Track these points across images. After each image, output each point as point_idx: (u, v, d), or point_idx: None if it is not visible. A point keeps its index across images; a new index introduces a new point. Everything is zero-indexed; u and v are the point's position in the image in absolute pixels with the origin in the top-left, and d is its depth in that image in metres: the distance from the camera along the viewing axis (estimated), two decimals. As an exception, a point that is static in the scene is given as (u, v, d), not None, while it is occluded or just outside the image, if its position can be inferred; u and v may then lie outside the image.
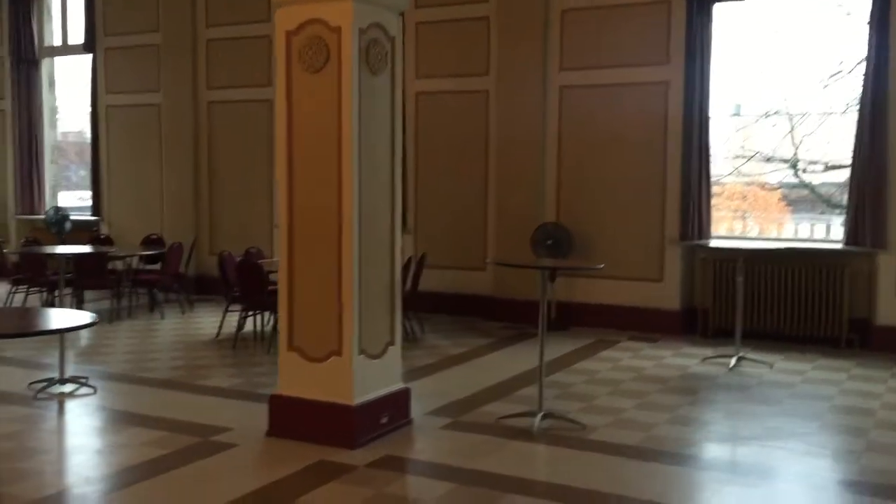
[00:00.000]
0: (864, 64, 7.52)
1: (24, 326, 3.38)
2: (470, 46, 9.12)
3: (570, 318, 8.59)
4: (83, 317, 3.29)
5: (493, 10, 8.93)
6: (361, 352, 4.91)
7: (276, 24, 4.91)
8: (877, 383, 6.38)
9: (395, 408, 5.16)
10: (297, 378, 4.98)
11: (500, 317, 8.78)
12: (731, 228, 11.02)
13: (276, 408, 5.04)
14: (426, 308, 8.63)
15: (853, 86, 8.00)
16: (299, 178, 4.91)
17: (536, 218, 8.68)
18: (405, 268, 7.76)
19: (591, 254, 8.43)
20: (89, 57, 11.30)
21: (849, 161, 7.69)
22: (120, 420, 5.45)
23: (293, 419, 4.96)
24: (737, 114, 11.17)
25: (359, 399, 4.86)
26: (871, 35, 7.41)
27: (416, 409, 5.44)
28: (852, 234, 7.57)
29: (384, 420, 5.04)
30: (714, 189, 8.52)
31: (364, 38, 4.79)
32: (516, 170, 8.85)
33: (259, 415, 5.12)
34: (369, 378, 4.95)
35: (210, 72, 10.59)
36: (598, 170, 8.58)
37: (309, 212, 4.90)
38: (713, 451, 4.99)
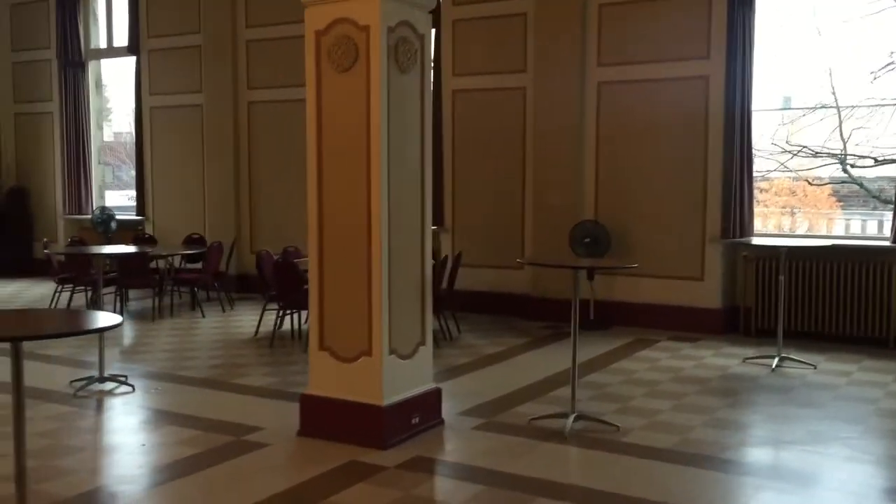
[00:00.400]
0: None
1: (39, 329, 3.45)
2: (507, 43, 9.05)
3: (610, 317, 8.48)
4: (108, 318, 3.32)
5: (531, 6, 8.85)
6: (392, 352, 4.89)
7: (306, 23, 4.91)
8: (926, 386, 6.17)
9: (426, 408, 5.13)
10: (327, 378, 4.99)
11: (538, 316, 8.70)
12: (779, 225, 10.78)
13: (308, 407, 5.05)
14: (463, 307, 8.60)
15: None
16: (329, 177, 4.91)
17: (575, 215, 8.58)
18: (441, 266, 7.75)
19: (630, 251, 8.31)
20: (133, 59, 11.50)
21: (898, 155, 7.46)
22: (156, 418, 5.51)
23: (324, 419, 4.96)
24: (785, 107, 10.90)
25: (389, 399, 4.84)
26: (921, 25, 7.16)
27: (449, 410, 5.41)
28: (901, 231, 7.33)
29: (415, 420, 5.01)
30: (761, 185, 8.32)
31: (393, 37, 4.77)
32: (554, 167, 8.76)
33: (292, 414, 5.14)
34: (400, 378, 4.93)
35: (250, 72, 10.70)
36: (637, 167, 8.45)
37: (339, 211, 4.89)
38: (751, 455, 4.86)
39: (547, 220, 8.77)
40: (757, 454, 4.89)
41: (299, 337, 7.74)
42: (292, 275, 7.37)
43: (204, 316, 9.11)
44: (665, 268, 8.25)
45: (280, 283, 7.58)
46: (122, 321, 3.70)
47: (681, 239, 8.26)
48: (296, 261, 7.60)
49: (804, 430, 5.14)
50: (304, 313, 7.71)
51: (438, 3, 8.94)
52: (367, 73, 4.73)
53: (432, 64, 9.34)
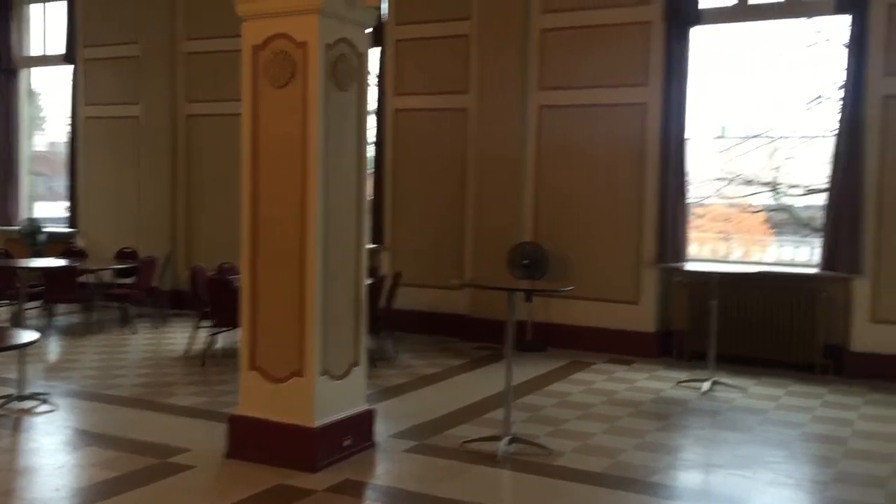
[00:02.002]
0: (842, 89, 7.52)
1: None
2: (449, 64, 9.09)
3: (547, 338, 8.52)
4: (25, 335, 3.19)
5: (474, 29, 8.90)
6: (324, 372, 4.82)
7: (243, 38, 4.85)
8: (849, 410, 6.32)
9: (358, 430, 5.06)
10: (257, 398, 4.89)
11: (477, 337, 8.69)
12: (715, 251, 11.00)
13: (236, 429, 4.94)
14: (401, 327, 8.55)
15: (832, 110, 7.99)
16: (264, 193, 4.84)
17: (514, 237, 8.62)
18: (379, 286, 7.69)
19: (567, 274, 8.37)
20: (70, 68, 11.22)
21: (826, 186, 7.68)
22: (78, 439, 5.32)
23: (253, 441, 4.86)
24: (721, 136, 11.17)
25: (320, 421, 4.76)
26: (849, 61, 7.41)
27: (382, 431, 5.35)
28: (828, 259, 7.54)
29: (347, 442, 4.94)
30: (697, 211, 8.48)
31: (331, 54, 4.73)
32: (495, 189, 8.80)
33: (221, 435, 5.01)
34: (332, 399, 4.86)
35: (189, 85, 10.52)
36: (576, 190, 8.54)
37: (273, 228, 4.82)
38: (680, 478, 4.90)
39: (486, 241, 8.79)
40: (685, 478, 4.93)
41: (232, 356, 7.56)
42: (226, 291, 7.22)
43: (135, 333, 8.87)
44: (601, 291, 8.33)
45: (214, 299, 7.43)
46: (41, 338, 3.56)
47: (617, 262, 8.35)
48: (231, 277, 7.45)
49: (732, 454, 5.21)
50: (238, 331, 7.57)
51: (381, 21, 8.99)
52: (304, 90, 4.68)
53: (376, 82, 9.35)
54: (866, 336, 7.35)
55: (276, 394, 4.82)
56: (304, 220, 4.71)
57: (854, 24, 7.36)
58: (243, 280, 4.93)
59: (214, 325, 7.55)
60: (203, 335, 7.70)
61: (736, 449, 5.31)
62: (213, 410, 5.90)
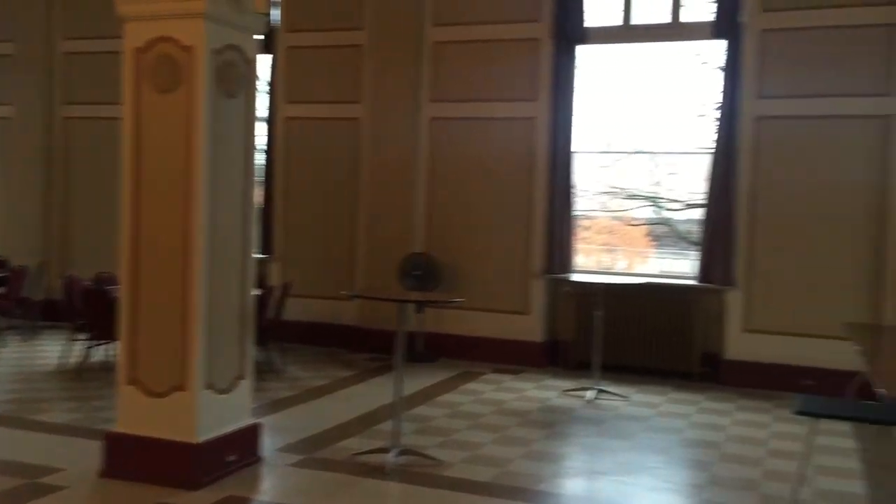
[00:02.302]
0: (718, 110, 7.91)
1: None
2: (342, 73, 9.04)
3: (438, 349, 8.56)
4: None
5: (367, 39, 8.89)
6: (208, 386, 4.68)
7: (125, 39, 4.67)
8: (722, 416, 6.63)
9: (243, 445, 4.93)
10: (136, 414, 4.69)
11: (368, 348, 8.64)
12: (600, 262, 11.31)
13: (113, 446, 4.72)
14: (291, 338, 8.41)
15: (710, 129, 8.38)
16: (146, 200, 4.67)
17: (405, 248, 8.63)
18: (268, 296, 7.54)
19: (458, 285, 8.44)
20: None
21: (703, 201, 8.04)
22: (-64, 460, 4.96)
23: (131, 459, 4.66)
24: (605, 151, 11.53)
25: (203, 436, 4.61)
26: (724, 84, 7.80)
27: (269, 446, 5.24)
28: (705, 272, 7.90)
29: (231, 458, 4.80)
30: (583, 223, 8.72)
31: (218, 60, 4.62)
32: (386, 199, 8.79)
33: (96, 454, 4.78)
34: (216, 414, 4.72)
35: (68, 86, 10.06)
36: (467, 202, 8.63)
37: (155, 237, 4.65)
38: (564, 486, 5.00)
39: (378, 251, 8.76)
40: (570, 485, 5.04)
41: (110, 370, 7.25)
42: (103, 302, 6.92)
43: (4, 346, 8.36)
44: (492, 301, 8.44)
45: (90, 311, 7.10)
46: None
47: (507, 273, 8.49)
48: (109, 288, 7.14)
49: (614, 461, 5.36)
50: (116, 344, 7.26)
51: (272, 28, 8.84)
52: (189, 96, 4.55)
53: (267, 90, 9.18)
54: (739, 345, 7.73)
55: (157, 409, 4.64)
56: (188, 228, 4.57)
57: (729, 49, 7.76)
58: (122, 290, 4.73)
59: (90, 338, 7.22)
60: (78, 348, 7.35)
61: (618, 456, 5.47)
62: (88, 427, 5.63)
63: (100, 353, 7.40)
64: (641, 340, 8.03)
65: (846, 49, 7.40)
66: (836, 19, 7.45)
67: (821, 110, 7.49)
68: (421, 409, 6.49)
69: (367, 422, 6.08)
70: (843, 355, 6.75)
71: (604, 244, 12.15)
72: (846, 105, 7.42)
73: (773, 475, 5.15)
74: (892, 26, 7.27)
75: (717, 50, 8.02)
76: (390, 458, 5.00)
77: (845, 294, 7.40)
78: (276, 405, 6.48)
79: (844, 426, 6.23)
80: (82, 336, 7.29)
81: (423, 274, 8.39)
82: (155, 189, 4.65)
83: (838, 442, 5.91)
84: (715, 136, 7.91)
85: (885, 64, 7.29)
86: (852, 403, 4.26)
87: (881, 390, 3.81)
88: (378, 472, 4.90)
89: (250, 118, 4.93)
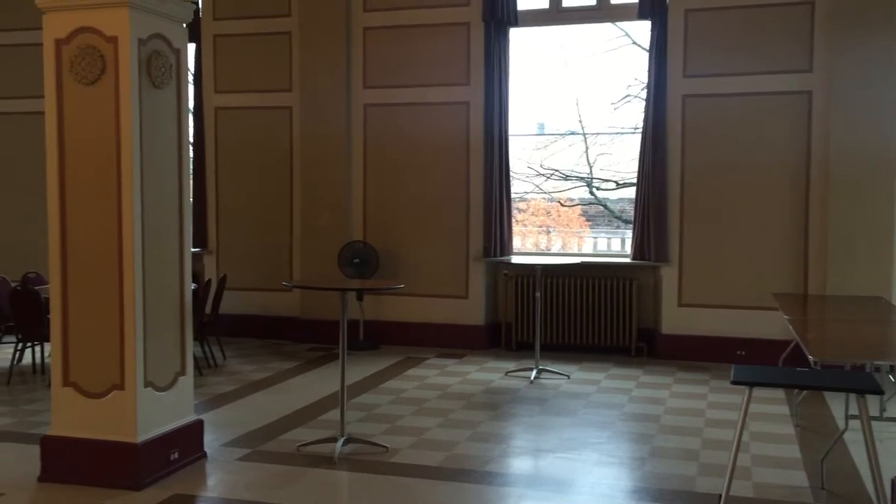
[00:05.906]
0: (646, 90, 8.05)
1: None
2: (271, 61, 8.90)
3: (380, 336, 8.55)
4: None
5: (295, 26, 8.76)
6: (147, 384, 4.58)
7: (44, 30, 4.50)
8: (661, 389, 6.79)
9: (186, 442, 4.85)
10: (73, 416, 4.57)
11: (309, 338, 8.59)
12: (537, 244, 11.44)
13: (50, 450, 4.59)
14: (230, 332, 8.30)
15: (639, 109, 8.54)
16: (73, 197, 4.53)
17: (343, 237, 8.58)
18: (205, 290, 7.41)
19: (398, 272, 8.43)
20: None
21: (635, 180, 8.19)
22: None
23: (69, 462, 4.54)
24: (539, 133, 11.63)
25: (144, 436, 4.52)
26: (651, 63, 7.93)
27: (212, 442, 5.17)
28: (639, 249, 8.06)
29: (174, 456, 4.72)
30: (519, 206, 8.79)
31: (144, 50, 4.49)
32: (322, 188, 8.71)
33: (32, 459, 4.64)
34: (156, 412, 4.63)
35: (-16, 80, 9.67)
36: (403, 188, 8.61)
37: (85, 235, 4.52)
38: (512, 465, 5.06)
39: (316, 241, 8.69)
40: (517, 464, 5.10)
41: (42, 372, 7.05)
42: (32, 304, 6.71)
43: (-74, 353, 8.05)
44: (432, 286, 8.46)
45: (18, 312, 6.87)
46: None
47: (446, 258, 8.51)
48: (37, 288, 6.93)
49: (559, 438, 5.45)
50: (47, 346, 7.05)
51: (197, 16, 8.65)
52: (115, 88, 4.41)
53: (193, 80, 8.98)
54: (674, 319, 7.92)
55: (95, 410, 4.53)
56: (120, 223, 4.45)
57: (654, 28, 7.89)
58: (52, 290, 4.59)
59: (20, 340, 6.99)
60: (6, 351, 7.11)
61: (563, 433, 5.56)
62: (22, 432, 5.46)
63: (31, 355, 7.17)
64: (580, 319, 8.16)
65: (769, 27, 7.60)
66: (758, -1, 7.64)
67: (745, 88, 7.69)
68: (365, 397, 6.49)
69: (312, 412, 6.04)
70: (773, 325, 7.01)
71: (540, 226, 12.30)
72: (769, 82, 7.63)
73: (711, 444, 5.30)
74: (813, 4, 7.49)
75: (644, 30, 8.16)
76: (337, 447, 4.98)
77: (774, 266, 7.65)
78: (217, 400, 6.40)
79: (778, 393, 6.46)
80: (10, 339, 7.06)
81: (361, 262, 8.35)
82: (82, 184, 4.51)
83: (772, 409, 6.12)
84: (644, 116, 8.04)
85: (806, 41, 7.51)
86: (784, 370, 4.42)
87: (811, 357, 3.95)
88: (326, 462, 4.88)
89: (182, 109, 4.81)
